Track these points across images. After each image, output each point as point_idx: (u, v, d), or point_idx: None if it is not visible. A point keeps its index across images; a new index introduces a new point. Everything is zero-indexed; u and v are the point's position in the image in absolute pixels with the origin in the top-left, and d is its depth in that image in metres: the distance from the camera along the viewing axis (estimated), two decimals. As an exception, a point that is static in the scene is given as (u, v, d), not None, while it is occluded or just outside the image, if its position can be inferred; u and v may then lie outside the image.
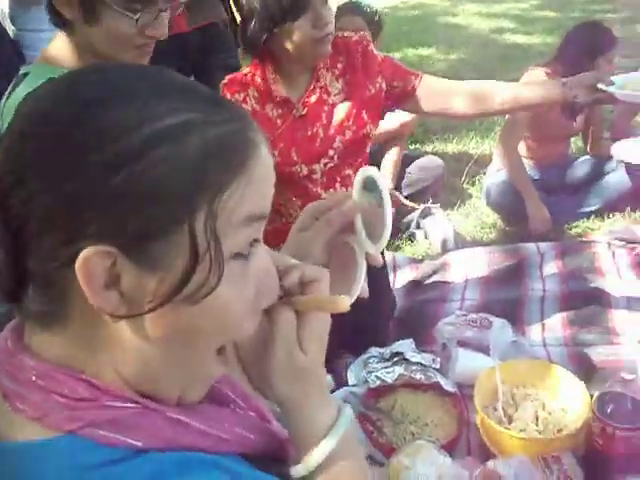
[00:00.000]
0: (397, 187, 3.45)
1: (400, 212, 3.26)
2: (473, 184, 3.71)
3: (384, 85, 2.18)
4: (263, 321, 0.75)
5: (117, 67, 0.70)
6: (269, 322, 0.76)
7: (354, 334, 2.22)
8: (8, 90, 1.55)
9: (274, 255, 0.77)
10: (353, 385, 2.13)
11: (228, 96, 2.07)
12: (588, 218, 3.31)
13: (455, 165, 3.87)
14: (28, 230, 0.63)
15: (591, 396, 1.84)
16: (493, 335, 2.21)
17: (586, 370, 2.20)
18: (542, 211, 3.19)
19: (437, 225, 3.15)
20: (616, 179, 3.38)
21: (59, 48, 1.57)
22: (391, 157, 3.45)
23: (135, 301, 0.64)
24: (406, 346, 2.22)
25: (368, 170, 0.92)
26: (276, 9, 1.93)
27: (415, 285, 2.81)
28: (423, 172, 3.50)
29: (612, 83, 1.98)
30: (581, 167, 3.52)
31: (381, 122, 2.32)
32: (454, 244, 3.08)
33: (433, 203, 3.34)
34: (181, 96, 0.65)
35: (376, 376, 2.11)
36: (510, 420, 1.94)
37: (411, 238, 3.23)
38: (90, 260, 0.61)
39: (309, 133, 2.14)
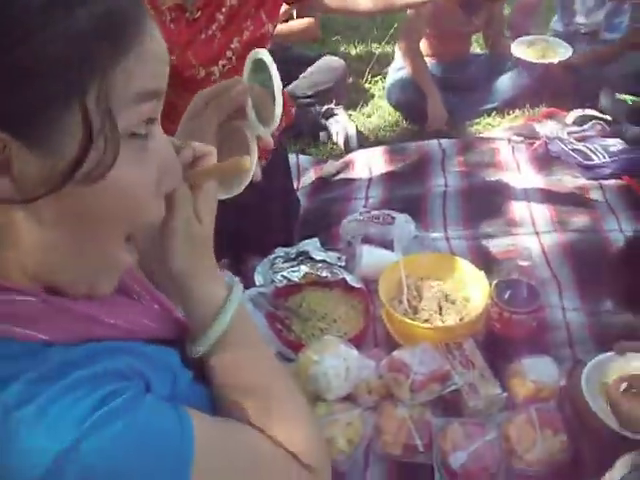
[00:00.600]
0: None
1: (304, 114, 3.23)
2: (376, 83, 3.68)
3: None
4: None
5: None
6: (168, 201, 0.76)
7: (259, 236, 2.21)
8: None
9: (170, 139, 0.76)
10: (260, 286, 2.13)
11: None
12: (489, 115, 3.36)
13: (357, 65, 3.83)
14: None
15: (491, 285, 1.90)
16: (396, 230, 2.24)
17: (486, 261, 2.26)
18: (440, 108, 3.20)
19: (340, 125, 3.13)
20: (515, 76, 3.43)
21: None
22: None
23: (29, 186, 0.62)
24: (311, 245, 2.23)
25: (258, 52, 0.91)
26: None
27: (319, 185, 2.81)
28: (325, 73, 3.45)
29: None
30: (482, 65, 3.55)
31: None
32: (357, 143, 3.07)
33: (336, 104, 3.30)
34: None
35: (283, 275, 2.12)
36: (415, 311, 1.99)
37: (314, 139, 3.20)
38: None
39: (203, 36, 2.05)
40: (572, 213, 2.52)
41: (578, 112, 3.07)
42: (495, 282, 1.86)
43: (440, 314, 1.98)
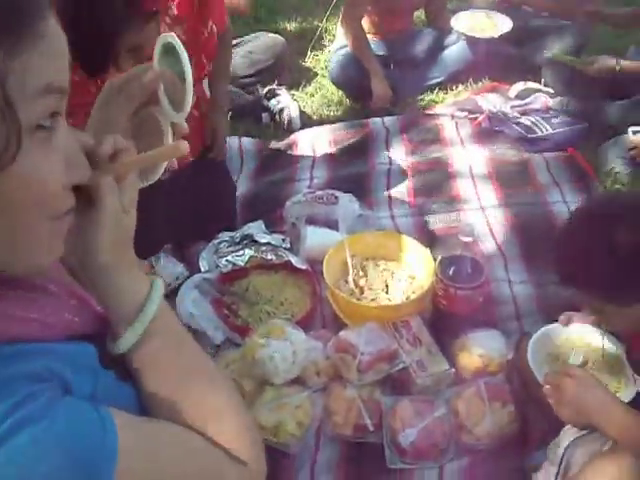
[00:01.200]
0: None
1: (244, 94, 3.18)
2: (318, 62, 3.65)
3: None
4: (79, 205, 0.73)
5: None
6: (93, 194, 0.74)
7: (197, 221, 2.17)
8: None
9: (78, 133, 0.75)
10: (206, 271, 2.10)
11: None
12: (432, 91, 3.34)
13: (299, 43, 3.78)
14: None
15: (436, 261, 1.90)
16: (340, 210, 2.23)
17: (432, 238, 2.27)
18: (384, 86, 3.18)
19: (282, 106, 3.09)
20: (457, 51, 3.41)
21: None
22: None
23: None
24: (255, 228, 2.21)
25: (167, 36, 0.90)
26: None
27: (262, 167, 2.77)
28: (264, 52, 3.39)
29: None
30: (424, 40, 3.52)
31: None
32: (300, 123, 3.04)
33: (278, 85, 3.26)
34: None
35: (227, 260, 2.09)
36: (362, 291, 1.98)
37: (257, 121, 3.16)
38: None
39: None
40: (516, 187, 2.54)
41: (520, 85, 3.09)
42: (440, 258, 1.86)
43: (387, 293, 1.98)
